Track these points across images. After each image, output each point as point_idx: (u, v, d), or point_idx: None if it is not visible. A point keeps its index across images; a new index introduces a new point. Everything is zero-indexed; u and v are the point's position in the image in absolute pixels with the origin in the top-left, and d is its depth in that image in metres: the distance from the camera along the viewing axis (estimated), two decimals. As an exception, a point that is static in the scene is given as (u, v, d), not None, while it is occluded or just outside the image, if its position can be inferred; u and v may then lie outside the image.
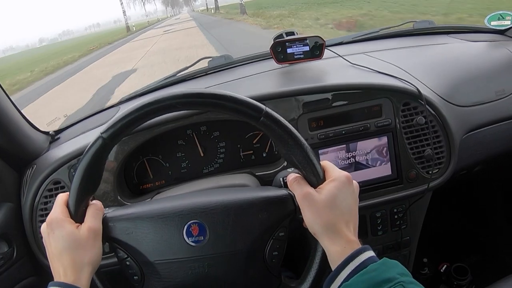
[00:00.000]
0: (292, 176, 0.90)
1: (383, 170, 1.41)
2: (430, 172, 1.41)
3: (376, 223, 1.48)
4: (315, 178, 0.86)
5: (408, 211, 1.51)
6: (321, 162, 0.89)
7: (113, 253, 0.92)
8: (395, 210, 1.49)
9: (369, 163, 1.40)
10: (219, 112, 0.86)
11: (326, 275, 0.84)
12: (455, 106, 1.48)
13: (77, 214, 0.86)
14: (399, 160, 1.40)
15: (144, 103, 0.83)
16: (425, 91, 1.39)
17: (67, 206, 0.87)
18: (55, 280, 0.83)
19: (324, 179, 0.86)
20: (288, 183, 0.90)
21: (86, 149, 0.84)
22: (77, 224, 0.86)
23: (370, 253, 0.80)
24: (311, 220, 0.84)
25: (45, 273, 1.37)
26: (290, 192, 0.91)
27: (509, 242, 2.04)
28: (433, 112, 1.39)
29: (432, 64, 1.62)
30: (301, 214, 0.87)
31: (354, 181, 0.88)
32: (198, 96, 0.83)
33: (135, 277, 0.92)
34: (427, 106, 1.37)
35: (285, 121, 0.84)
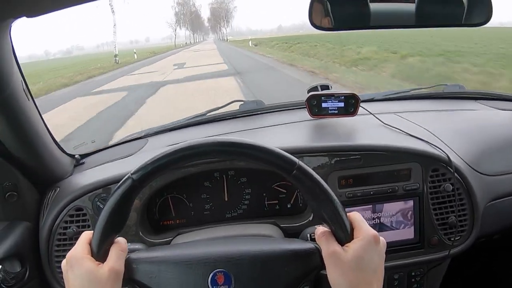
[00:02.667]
0: (320, 230, 0.89)
1: (406, 233, 1.41)
2: (452, 239, 1.40)
3: (393, 285, 1.47)
4: (343, 234, 0.85)
5: (425, 276, 1.49)
6: (350, 213, 0.88)
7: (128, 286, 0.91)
8: (413, 274, 1.48)
9: (393, 225, 1.40)
10: (252, 162, 0.86)
11: None
12: (481, 175, 1.48)
13: (100, 253, 0.86)
14: (422, 225, 1.40)
15: (178, 148, 0.83)
16: (453, 158, 1.39)
17: (90, 244, 0.86)
18: None
19: (352, 237, 0.86)
20: (316, 237, 0.90)
21: (115, 189, 0.84)
22: (98, 262, 0.85)
23: None
24: (335, 279, 0.84)
25: None
26: (317, 246, 0.90)
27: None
28: (460, 179, 1.39)
29: (461, 130, 1.63)
30: (325, 269, 0.86)
31: (381, 238, 0.87)
32: (233, 145, 0.84)
33: None
34: (455, 174, 1.37)
35: (317, 175, 0.85)
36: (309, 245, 0.93)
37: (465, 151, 1.49)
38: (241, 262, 0.90)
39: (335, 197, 0.85)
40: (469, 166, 1.46)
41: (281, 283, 0.90)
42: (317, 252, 0.90)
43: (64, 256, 0.86)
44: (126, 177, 0.84)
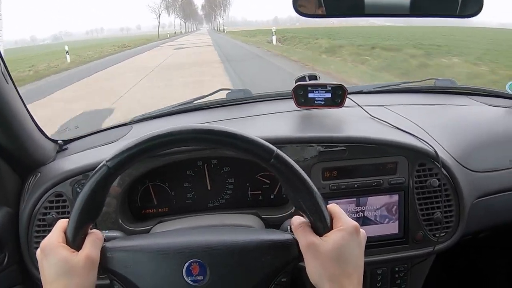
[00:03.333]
0: (297, 221, 0.88)
1: (390, 228, 1.39)
2: (437, 235, 1.39)
3: (376, 280, 1.45)
4: (322, 225, 0.84)
5: (409, 272, 1.48)
6: (329, 205, 0.87)
7: (105, 275, 0.89)
8: (396, 269, 1.46)
9: (377, 219, 1.38)
10: (230, 150, 0.85)
11: None
12: (469, 171, 1.46)
13: (75, 241, 0.84)
14: (407, 220, 1.38)
15: (154, 135, 0.82)
16: (441, 153, 1.37)
17: (65, 232, 0.84)
18: None
19: (331, 227, 0.84)
20: (293, 228, 0.88)
21: (90, 176, 0.82)
22: (73, 251, 0.83)
23: None
24: (313, 270, 0.82)
25: (32, 283, 1.34)
26: (295, 237, 0.89)
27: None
28: (447, 175, 1.37)
29: (450, 125, 1.62)
30: (303, 261, 0.85)
31: (361, 230, 0.85)
32: (209, 132, 0.82)
33: None
34: (442, 169, 1.35)
35: (295, 164, 0.83)
36: (287, 236, 0.91)
37: (453, 146, 1.48)
38: (217, 252, 0.88)
39: (314, 187, 0.84)
40: (457, 162, 1.44)
41: (257, 274, 0.89)
42: (295, 243, 0.88)
43: None
44: (101, 164, 0.82)
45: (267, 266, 0.88)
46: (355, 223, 0.84)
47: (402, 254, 1.40)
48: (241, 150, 0.83)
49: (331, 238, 0.82)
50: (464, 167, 1.45)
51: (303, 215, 0.87)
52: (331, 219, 0.85)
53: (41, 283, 0.84)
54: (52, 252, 0.82)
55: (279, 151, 0.82)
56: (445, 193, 1.38)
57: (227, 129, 0.82)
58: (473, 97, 1.93)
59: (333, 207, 0.87)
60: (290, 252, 0.89)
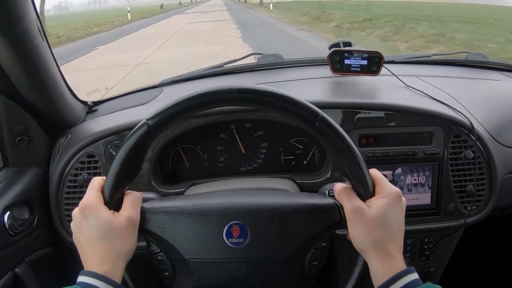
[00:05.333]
0: (340, 186, 0.87)
1: (423, 198, 1.38)
2: (469, 208, 1.38)
3: (406, 249, 1.45)
4: (364, 190, 0.83)
5: (438, 244, 1.48)
6: (370, 171, 0.86)
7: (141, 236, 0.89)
8: (426, 240, 1.46)
9: (410, 189, 1.37)
10: (274, 111, 0.83)
11: None
12: (501, 145, 1.44)
13: (112, 201, 0.83)
14: (440, 191, 1.37)
15: (198, 93, 0.80)
16: (476, 126, 1.35)
17: (102, 192, 0.83)
18: (86, 269, 0.79)
19: (373, 193, 0.84)
20: (335, 193, 0.88)
21: (130, 134, 0.81)
22: (113, 211, 0.82)
23: (415, 276, 0.78)
24: (358, 235, 0.82)
25: (61, 246, 1.34)
26: (337, 202, 0.88)
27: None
28: (481, 148, 1.36)
29: (483, 99, 1.59)
30: (346, 226, 0.84)
31: (403, 197, 0.85)
32: (255, 93, 0.80)
33: (165, 273, 0.90)
34: (477, 142, 1.34)
35: (340, 128, 0.82)
36: (329, 200, 0.91)
37: (486, 120, 1.45)
38: (258, 215, 0.88)
39: (358, 152, 0.83)
40: (491, 135, 1.42)
41: (298, 238, 0.88)
42: (337, 208, 0.88)
43: (73, 204, 0.83)
44: (141, 122, 0.80)
45: (308, 230, 0.88)
46: (398, 189, 0.84)
47: (433, 225, 1.39)
48: (285, 112, 0.81)
49: (375, 204, 0.82)
50: (497, 141, 1.43)
51: (346, 180, 0.86)
52: (373, 185, 0.84)
53: (72, 245, 0.83)
54: (93, 212, 0.81)
55: (324, 114, 0.81)
56: (479, 166, 1.36)
57: (272, 90, 0.80)
58: (506, 73, 1.89)
59: (375, 172, 0.87)
60: (332, 217, 0.88)
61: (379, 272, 0.80)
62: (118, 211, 0.83)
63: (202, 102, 0.80)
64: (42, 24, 1.20)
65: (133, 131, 0.81)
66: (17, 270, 1.25)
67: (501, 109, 1.55)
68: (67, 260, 1.47)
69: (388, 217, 0.81)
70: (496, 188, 1.39)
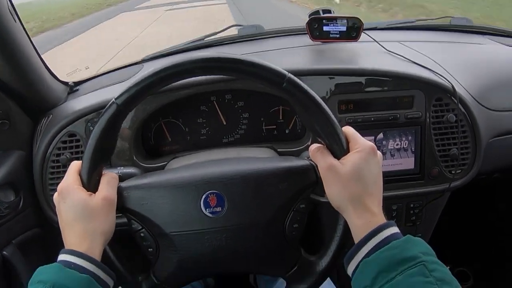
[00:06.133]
0: (314, 146, 0.87)
1: (406, 163, 1.38)
2: (453, 172, 1.38)
3: (391, 215, 1.45)
4: (338, 148, 0.83)
5: (424, 209, 1.48)
6: (343, 128, 0.85)
7: (121, 214, 0.89)
8: (411, 206, 1.46)
9: (393, 154, 1.37)
10: (240, 78, 0.84)
11: (347, 250, 0.82)
12: (485, 109, 1.44)
13: (90, 183, 0.83)
14: (423, 156, 1.37)
15: (159, 68, 0.79)
16: (458, 89, 1.34)
17: (80, 174, 0.84)
18: (66, 248, 0.81)
19: (348, 150, 0.83)
20: (310, 153, 0.87)
21: (100, 115, 0.81)
22: (90, 192, 0.83)
23: (394, 229, 0.77)
24: (335, 193, 0.82)
25: (49, 226, 1.34)
26: (312, 163, 0.89)
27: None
28: (464, 111, 1.35)
29: (467, 63, 1.57)
30: (323, 186, 0.84)
31: (378, 151, 0.85)
32: (217, 60, 0.80)
33: (149, 249, 0.90)
34: (459, 105, 1.33)
35: (308, 88, 0.81)
36: (303, 161, 0.91)
37: (470, 83, 1.44)
38: (234, 182, 0.88)
39: (328, 110, 0.82)
40: (474, 98, 1.41)
41: (275, 202, 0.88)
42: (312, 168, 0.89)
43: (58, 184, 0.83)
44: (110, 102, 0.81)
45: (285, 193, 0.88)
46: (371, 143, 0.84)
47: (418, 190, 1.39)
48: (252, 77, 0.81)
49: (349, 160, 0.81)
50: (481, 104, 1.43)
51: (320, 139, 0.86)
52: (347, 142, 0.84)
53: (58, 226, 0.84)
54: (69, 195, 0.82)
55: (291, 75, 0.80)
56: (462, 129, 1.36)
57: (235, 56, 0.80)
58: (490, 36, 1.88)
59: (348, 129, 0.87)
60: (308, 177, 0.89)
61: (358, 227, 0.79)
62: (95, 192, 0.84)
63: (166, 75, 0.80)
64: (13, 5, 1.18)
65: (103, 112, 0.81)
66: (4, 252, 1.26)
67: (487, 72, 1.54)
68: (55, 240, 1.45)
69: (363, 172, 0.80)
70: (481, 152, 1.38)
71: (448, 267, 0.74)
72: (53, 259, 0.83)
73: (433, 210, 1.52)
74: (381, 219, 0.79)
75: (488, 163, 1.44)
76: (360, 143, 0.83)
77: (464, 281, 1.82)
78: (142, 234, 0.89)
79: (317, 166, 0.86)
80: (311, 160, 0.89)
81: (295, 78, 0.81)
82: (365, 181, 0.80)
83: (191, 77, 0.82)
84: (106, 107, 0.81)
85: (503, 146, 1.49)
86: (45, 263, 0.78)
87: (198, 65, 0.79)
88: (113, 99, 0.81)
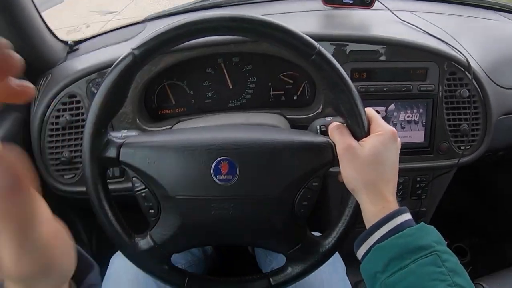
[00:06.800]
0: (334, 124, 0.84)
1: (416, 136, 1.35)
2: (462, 147, 1.36)
3: (397, 188, 1.42)
4: (359, 129, 0.80)
5: (430, 183, 1.46)
6: (366, 108, 0.83)
7: (123, 178, 0.85)
8: (418, 179, 1.45)
9: (403, 126, 1.34)
10: (268, 42, 0.80)
11: (355, 233, 0.81)
12: (496, 86, 1.41)
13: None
14: (434, 130, 1.35)
15: (187, 21, 0.75)
16: (473, 64, 1.32)
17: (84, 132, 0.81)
18: None
19: (368, 132, 0.81)
20: (329, 131, 0.84)
21: (114, 64, 0.77)
22: None
23: (408, 216, 0.76)
24: (350, 175, 0.79)
25: (46, 191, 1.28)
26: (330, 141, 0.85)
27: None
28: (477, 87, 1.33)
29: (481, 38, 1.54)
30: (339, 166, 0.81)
31: (398, 138, 0.82)
32: (248, 22, 0.76)
33: (150, 211, 0.86)
34: (473, 80, 1.31)
35: (337, 63, 0.78)
36: (321, 138, 0.87)
37: (483, 59, 1.42)
38: (249, 151, 0.84)
39: (354, 88, 0.79)
40: (487, 75, 1.39)
41: (288, 177, 0.84)
42: (329, 146, 0.85)
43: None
44: (126, 52, 0.76)
45: (299, 169, 0.85)
46: (393, 128, 0.81)
47: (426, 164, 1.38)
48: (280, 43, 0.77)
49: (369, 143, 0.79)
50: (493, 81, 1.41)
51: (341, 117, 0.83)
52: (369, 124, 0.82)
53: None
54: None
55: (321, 48, 0.77)
56: (474, 105, 1.34)
57: (268, 19, 0.76)
58: (503, 13, 1.84)
59: (370, 111, 0.84)
60: (324, 156, 0.85)
61: (371, 212, 0.78)
62: None
63: (190, 30, 0.76)
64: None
65: (117, 61, 0.77)
66: None
67: (498, 49, 1.51)
68: (52, 205, 1.43)
69: (381, 157, 0.78)
70: (491, 128, 1.37)
71: (446, 242, 0.73)
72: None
73: (439, 185, 1.50)
74: (395, 206, 0.77)
75: (495, 140, 1.43)
76: (382, 126, 0.81)
77: (461, 256, 1.82)
78: (144, 194, 0.85)
79: (335, 145, 0.83)
80: (328, 136, 0.86)
81: (326, 52, 0.77)
82: (382, 166, 0.78)
83: (217, 34, 0.78)
84: (122, 57, 0.77)
85: (510, 124, 1.47)
86: None
87: (227, 24, 0.76)
88: (131, 49, 0.76)
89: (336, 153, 0.82)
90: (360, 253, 0.78)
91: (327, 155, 0.85)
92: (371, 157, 0.78)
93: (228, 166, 0.83)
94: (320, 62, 0.77)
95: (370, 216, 0.78)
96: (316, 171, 0.85)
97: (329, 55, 0.78)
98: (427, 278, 0.67)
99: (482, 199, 2.12)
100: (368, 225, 0.78)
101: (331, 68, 0.78)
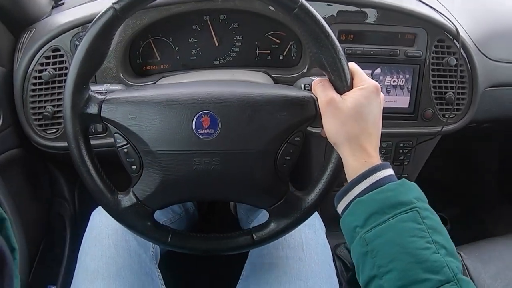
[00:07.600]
0: (317, 79, 0.83)
1: (401, 101, 1.35)
2: (447, 115, 1.36)
3: (380, 152, 1.43)
4: (342, 83, 0.79)
5: (413, 149, 1.47)
6: (349, 63, 0.82)
7: (106, 133, 0.84)
8: (401, 145, 1.45)
9: (389, 91, 1.34)
10: None
11: (334, 191, 0.80)
12: (485, 57, 1.41)
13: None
14: (419, 96, 1.35)
15: None
16: (462, 33, 1.32)
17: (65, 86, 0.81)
18: None
19: (351, 87, 0.80)
20: (312, 86, 0.84)
21: (95, 19, 0.76)
22: None
23: (390, 171, 0.75)
24: (332, 128, 0.78)
25: (29, 145, 1.29)
26: (313, 95, 0.84)
27: (494, 206, 2.07)
28: (465, 56, 1.32)
29: (471, 8, 1.54)
30: (321, 120, 0.80)
31: (381, 93, 0.82)
32: None
33: (133, 167, 0.86)
34: (461, 49, 1.30)
35: (320, 17, 0.77)
36: (304, 93, 0.87)
37: (473, 29, 1.41)
38: (230, 105, 0.83)
39: (337, 42, 0.78)
40: (476, 45, 1.39)
41: (271, 131, 0.84)
42: (312, 100, 0.84)
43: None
44: (107, 7, 0.75)
45: (281, 123, 0.84)
46: (376, 82, 0.80)
47: (409, 130, 1.38)
48: None
49: (352, 97, 0.78)
50: (482, 52, 1.40)
51: (324, 72, 0.82)
52: (352, 78, 0.81)
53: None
54: None
55: (304, 1, 0.75)
56: (461, 74, 1.34)
57: None
58: None
59: (353, 65, 0.83)
60: (307, 110, 0.85)
61: (352, 166, 0.77)
62: None
63: None
64: None
65: (98, 16, 0.76)
66: None
67: (489, 21, 1.51)
68: (35, 161, 1.44)
69: (364, 110, 0.77)
70: (476, 98, 1.37)
71: None
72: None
73: (421, 152, 1.52)
74: (377, 160, 0.77)
75: (480, 112, 1.43)
76: (365, 81, 0.80)
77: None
78: (125, 150, 0.85)
79: (317, 99, 0.83)
80: (311, 92, 0.86)
81: (308, 5, 0.76)
82: (364, 120, 0.78)
83: None
84: (102, 11, 0.76)
85: (497, 97, 1.48)
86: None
87: None
88: (111, 3, 0.75)
89: (319, 107, 0.81)
90: (340, 207, 0.78)
91: (310, 109, 0.84)
92: (353, 110, 0.77)
93: (210, 120, 0.82)
94: (303, 16, 0.76)
95: (351, 170, 0.77)
96: (298, 125, 0.85)
97: (312, 9, 0.76)
98: (406, 234, 0.67)
99: (464, 171, 2.15)
100: (349, 178, 0.77)
101: (314, 21, 0.77)
